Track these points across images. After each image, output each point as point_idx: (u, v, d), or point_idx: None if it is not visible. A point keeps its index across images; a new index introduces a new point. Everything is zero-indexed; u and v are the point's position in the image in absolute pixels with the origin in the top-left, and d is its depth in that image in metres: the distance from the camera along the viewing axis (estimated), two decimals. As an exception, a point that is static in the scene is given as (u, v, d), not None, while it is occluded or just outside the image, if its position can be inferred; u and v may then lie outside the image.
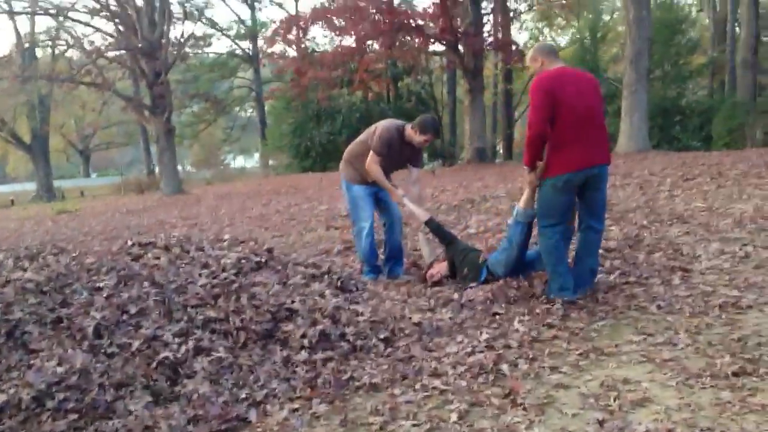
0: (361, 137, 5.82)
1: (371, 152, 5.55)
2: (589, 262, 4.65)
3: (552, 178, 4.36)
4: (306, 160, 27.34)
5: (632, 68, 15.90)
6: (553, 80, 4.31)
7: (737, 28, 22.74)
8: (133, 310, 3.55)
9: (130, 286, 3.74)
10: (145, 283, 3.78)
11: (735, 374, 3.23)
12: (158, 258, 4.16)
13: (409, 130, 5.60)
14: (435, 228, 5.58)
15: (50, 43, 26.61)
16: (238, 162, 58.04)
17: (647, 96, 16.52)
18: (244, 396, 3.23)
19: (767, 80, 27.34)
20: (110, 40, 21.18)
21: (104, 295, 3.61)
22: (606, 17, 32.41)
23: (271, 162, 36.20)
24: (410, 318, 4.19)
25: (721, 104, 21.27)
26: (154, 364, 3.30)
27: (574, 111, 4.28)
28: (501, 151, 31.59)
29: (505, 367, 3.53)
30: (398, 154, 5.71)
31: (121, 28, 20.40)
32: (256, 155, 49.37)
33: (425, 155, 28.53)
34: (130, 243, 4.48)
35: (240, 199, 16.46)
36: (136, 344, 3.36)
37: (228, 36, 38.77)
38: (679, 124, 22.31)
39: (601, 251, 5.54)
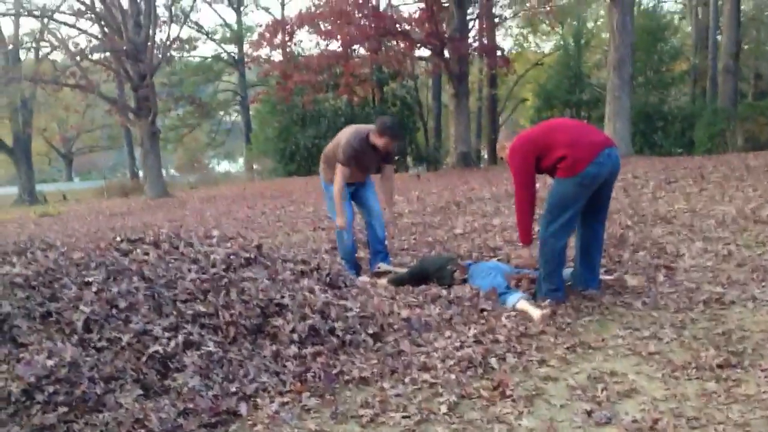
0: (335, 140, 5.83)
1: (338, 163, 5.59)
2: (597, 257, 4.67)
3: (574, 177, 4.27)
4: (291, 164, 27.32)
5: (615, 74, 16.05)
6: (528, 136, 4.50)
7: (719, 36, 23.02)
8: (122, 304, 3.54)
9: (120, 280, 3.73)
10: (135, 278, 3.77)
11: (720, 366, 3.29)
12: (147, 254, 4.15)
13: (372, 135, 5.60)
14: (396, 281, 5.29)
15: (34, 44, 26.42)
16: (223, 166, 57.83)
17: (630, 102, 16.68)
18: (234, 390, 3.22)
19: (748, 87, 27.73)
20: (95, 42, 21.07)
21: (93, 290, 3.59)
22: (590, 24, 32.70)
23: (255, 166, 36.13)
24: (399, 314, 4.21)
25: (702, 110, 21.52)
26: (144, 358, 3.29)
27: (562, 125, 4.52)
28: (486, 155, 31.73)
29: (493, 360, 3.57)
30: (369, 160, 5.74)
31: (106, 30, 20.30)
32: (241, 159, 49.22)
33: (409, 159, 28.64)
34: (118, 239, 4.47)
35: (225, 202, 16.42)
36: (125, 338, 3.35)
37: (214, 39, 38.75)
38: (661, 129, 22.54)
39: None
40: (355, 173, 5.73)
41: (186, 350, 3.41)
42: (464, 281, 4.92)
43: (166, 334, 3.46)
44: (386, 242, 6.11)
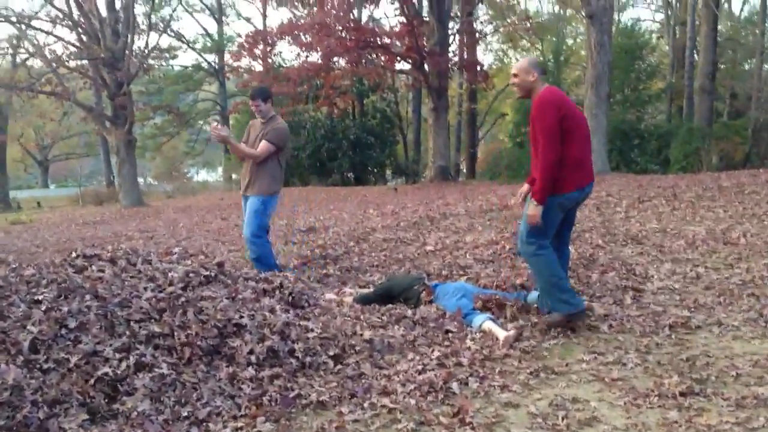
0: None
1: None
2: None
3: (560, 196, 4.22)
4: (269, 175, 27.14)
5: (593, 92, 16.15)
6: (560, 97, 4.25)
7: (695, 56, 23.29)
8: (72, 324, 3.42)
9: (71, 299, 3.61)
10: (87, 297, 3.65)
11: (682, 394, 3.24)
12: (103, 271, 4.03)
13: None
14: (363, 300, 5.14)
15: (11, 51, 26.08)
16: (201, 175, 57.43)
17: (607, 119, 16.78)
18: (185, 414, 3.12)
19: (724, 107, 28.08)
20: (72, 49, 20.83)
21: (43, 309, 3.47)
22: (569, 41, 33.02)
23: (234, 176, 35.89)
24: (361, 335, 4.13)
25: (678, 129, 21.70)
26: (92, 381, 3.17)
27: (581, 127, 4.28)
28: (464, 169, 31.79)
29: (455, 385, 3.49)
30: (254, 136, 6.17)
31: (83, 37, 20.07)
32: (220, 169, 48.93)
33: (388, 172, 28.62)
34: (74, 255, 4.34)
35: (200, 212, 16.24)
36: (74, 359, 3.24)
37: (194, 49, 38.51)
38: (637, 147, 22.68)
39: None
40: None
41: (137, 372, 3.30)
42: (430, 302, 4.85)
43: (117, 356, 3.35)
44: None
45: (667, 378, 3.44)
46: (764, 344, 3.93)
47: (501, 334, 4.14)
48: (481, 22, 30.31)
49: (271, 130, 6.02)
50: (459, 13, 25.13)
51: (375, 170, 28.51)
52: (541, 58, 26.97)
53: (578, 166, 4.23)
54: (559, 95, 4.27)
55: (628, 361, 3.73)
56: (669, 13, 28.93)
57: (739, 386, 3.34)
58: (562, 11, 34.06)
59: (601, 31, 15.91)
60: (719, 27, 24.48)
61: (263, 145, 5.94)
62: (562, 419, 3.06)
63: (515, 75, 4.36)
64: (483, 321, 4.35)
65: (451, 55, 23.04)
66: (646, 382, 3.42)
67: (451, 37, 23.65)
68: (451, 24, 23.48)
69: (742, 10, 33.69)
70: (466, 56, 25.58)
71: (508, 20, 28.35)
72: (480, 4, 27.06)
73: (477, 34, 27.62)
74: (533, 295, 4.73)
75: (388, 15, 53.09)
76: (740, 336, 4.09)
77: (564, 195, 4.23)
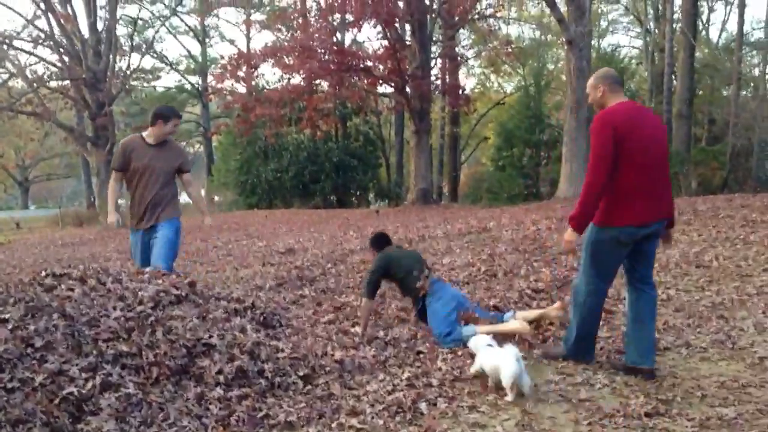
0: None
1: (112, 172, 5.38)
2: (651, 326, 3.97)
3: (613, 228, 3.76)
4: (252, 197, 27.14)
5: (572, 116, 16.35)
6: (624, 116, 3.74)
7: (674, 81, 23.64)
8: (38, 343, 3.39)
9: (38, 318, 3.57)
10: (55, 315, 3.62)
11: (648, 415, 3.26)
12: (72, 289, 4.00)
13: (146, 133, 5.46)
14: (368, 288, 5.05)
15: (-9, 71, 26.00)
16: (183, 197, 57.13)
17: (587, 143, 16.95)
18: (151, 434, 3.10)
19: (702, 132, 28.47)
20: (54, 69, 20.81)
21: (9, 327, 3.44)
22: (550, 66, 33.40)
23: (216, 198, 35.77)
24: (332, 355, 4.12)
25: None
26: (56, 400, 3.13)
27: (645, 153, 3.73)
28: (447, 192, 31.93)
29: (423, 405, 3.49)
30: (149, 160, 5.38)
31: (65, 58, 20.06)
32: (202, 191, 48.75)
33: (371, 195, 28.69)
34: (43, 273, 4.31)
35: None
36: (39, 379, 3.20)
37: (177, 70, 38.58)
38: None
39: (528, 292, 5.62)
40: (141, 186, 5.36)
41: (103, 392, 3.27)
42: (424, 296, 4.84)
43: (83, 375, 3.31)
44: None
45: (633, 399, 3.47)
46: (731, 366, 3.97)
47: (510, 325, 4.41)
48: (463, 47, 30.77)
49: (184, 156, 5.79)
50: (441, 38, 25.44)
51: (358, 193, 28.59)
52: (527, 83, 27.18)
53: (635, 197, 3.72)
54: (623, 113, 3.76)
55: (596, 382, 3.75)
56: (647, 39, 29.38)
57: (704, 407, 3.37)
58: (543, 37, 34.52)
59: (581, 56, 16.15)
60: (697, 54, 24.88)
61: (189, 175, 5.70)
62: (528, 439, 3.07)
63: (588, 93, 4.03)
64: (473, 333, 4.34)
65: (433, 78, 23.26)
66: (613, 403, 3.45)
67: (433, 61, 23.91)
68: (433, 48, 23.76)
69: (719, 37, 34.30)
70: (448, 80, 25.84)
71: (490, 45, 28.69)
72: (462, 29, 27.38)
73: (459, 58, 27.97)
74: (508, 315, 4.75)
75: (370, 38, 53.60)
76: (708, 357, 4.13)
77: (617, 227, 3.75)
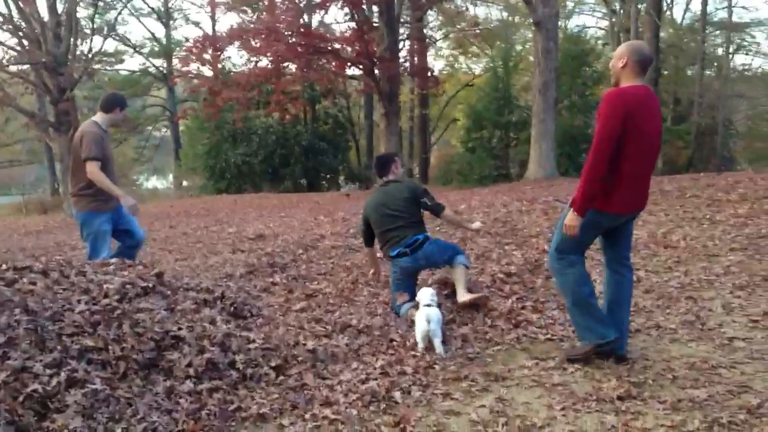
0: (73, 162, 5.40)
1: (87, 162, 5.15)
2: (627, 310, 3.95)
3: (600, 213, 3.66)
4: (221, 182, 26.83)
5: (541, 98, 16.41)
6: (636, 100, 3.57)
7: (639, 62, 23.80)
8: (0, 339, 3.29)
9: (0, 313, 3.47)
10: (17, 311, 3.51)
11: (620, 398, 3.28)
12: (34, 283, 3.88)
13: (102, 119, 5.42)
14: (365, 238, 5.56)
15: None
16: (152, 182, 56.36)
17: (555, 124, 17.05)
18: (119, 431, 3.02)
19: (667, 112, 28.80)
20: (13, 53, 20.21)
21: (-32, 324, 3.33)
22: (518, 47, 33.44)
23: (185, 183, 35.34)
24: (305, 344, 4.07)
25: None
26: (20, 398, 3.04)
27: (645, 143, 3.60)
28: (417, 175, 31.93)
29: (397, 394, 3.47)
30: (109, 147, 5.44)
31: (24, 41, 19.50)
32: (171, 176, 48.12)
33: (341, 178, 28.59)
34: (4, 267, 4.18)
35: (147, 220, 15.90)
36: (1, 376, 3.10)
37: (141, 53, 37.82)
38: (586, 152, 23.04)
39: (501, 276, 5.62)
40: (107, 172, 5.27)
41: (69, 388, 3.18)
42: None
43: (48, 371, 3.22)
44: None
45: (605, 382, 3.49)
46: (700, 347, 4.01)
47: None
48: (431, 29, 30.62)
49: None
50: (409, 19, 25.30)
51: (328, 176, 28.44)
52: (495, 64, 27.14)
53: (630, 185, 3.64)
54: (637, 96, 3.58)
55: (568, 366, 3.76)
56: (613, 20, 29.58)
57: (675, 389, 3.40)
58: (510, 18, 34.52)
59: (548, 37, 16.18)
60: (662, 34, 25.12)
61: None
62: (503, 426, 3.07)
63: (611, 58, 3.77)
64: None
65: (401, 60, 23.15)
66: (585, 387, 3.46)
67: (402, 43, 23.78)
68: (401, 30, 23.60)
69: (683, 17, 34.62)
70: (416, 62, 25.75)
71: (458, 26, 28.62)
72: (430, 11, 27.25)
73: (427, 40, 27.86)
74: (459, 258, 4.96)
75: (338, 20, 53.06)
76: (677, 339, 4.17)
77: (605, 213, 3.67)
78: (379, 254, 5.66)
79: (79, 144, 5.22)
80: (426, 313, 4.10)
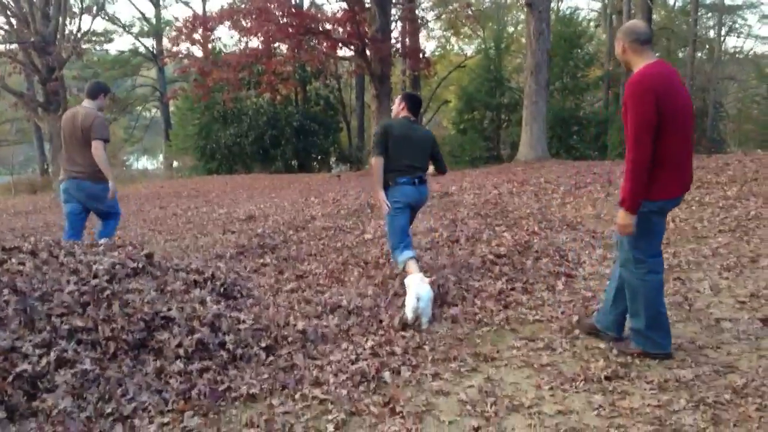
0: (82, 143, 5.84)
1: (100, 142, 5.75)
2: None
3: (658, 202, 3.46)
4: (211, 163, 26.72)
5: (532, 80, 16.34)
6: (661, 77, 3.38)
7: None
8: (-11, 320, 3.29)
9: (-12, 294, 3.46)
10: (5, 291, 3.50)
11: (607, 378, 3.31)
12: (23, 264, 3.87)
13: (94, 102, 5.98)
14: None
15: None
16: (142, 163, 56.06)
17: (546, 106, 17.02)
18: (109, 411, 3.03)
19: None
20: (1, 33, 19.96)
21: (-43, 304, 3.33)
22: (510, 29, 33.34)
23: (175, 164, 35.18)
24: (295, 325, 4.08)
25: (615, 116, 22.20)
26: (10, 378, 3.05)
27: (682, 117, 3.40)
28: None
29: (387, 374, 3.49)
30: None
31: (12, 20, 19.25)
32: (161, 156, 47.86)
33: (332, 159, 28.53)
34: (-8, 247, 4.17)
35: (138, 201, 15.85)
36: (-9, 357, 3.11)
37: (130, 33, 37.47)
38: (576, 134, 23.17)
39: (491, 257, 5.64)
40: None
41: (59, 369, 3.19)
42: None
43: (37, 352, 3.23)
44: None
45: (593, 362, 3.52)
46: (687, 327, 4.05)
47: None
48: (423, 9, 30.42)
49: None
50: (401, 0, 25.12)
51: (319, 157, 28.35)
52: (487, 45, 27.05)
53: (675, 167, 3.44)
54: (661, 74, 3.39)
55: (557, 347, 3.79)
56: (606, 2, 29.49)
57: (662, 369, 3.43)
58: (503, -1, 34.37)
59: (540, 19, 16.09)
60: (654, 16, 25.04)
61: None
62: (491, 405, 3.09)
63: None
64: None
65: (393, 41, 22.98)
66: (574, 367, 3.49)
67: (393, 24, 23.61)
68: (393, 11, 23.43)
69: (675, 0, 34.56)
70: (408, 43, 25.59)
71: (450, 7, 28.46)
72: (422, -9, 27.10)
73: (419, 21, 27.67)
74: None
75: (329, 1, 52.66)
76: (665, 319, 4.20)
77: (663, 200, 3.47)
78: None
79: (90, 126, 5.73)
80: (416, 291, 4.19)
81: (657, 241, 3.61)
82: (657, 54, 3.47)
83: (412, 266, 4.80)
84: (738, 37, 35.62)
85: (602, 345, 3.79)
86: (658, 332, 3.56)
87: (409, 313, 4.21)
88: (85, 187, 5.83)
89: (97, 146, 5.69)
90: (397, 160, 5.06)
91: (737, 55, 34.67)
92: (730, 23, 32.92)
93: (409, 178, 5.04)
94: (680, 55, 31.18)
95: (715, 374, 3.33)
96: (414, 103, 5.36)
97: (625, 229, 3.49)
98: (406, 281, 4.44)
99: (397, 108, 5.31)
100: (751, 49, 40.27)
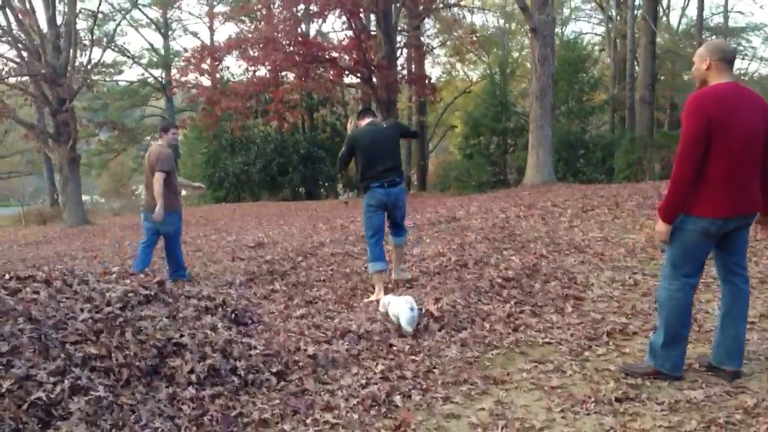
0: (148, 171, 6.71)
1: (161, 174, 6.45)
2: (742, 324, 3.66)
3: (699, 219, 3.43)
4: (219, 191, 26.89)
5: (538, 104, 16.46)
6: (720, 99, 3.37)
7: (636, 67, 23.93)
8: (4, 348, 3.32)
9: (3, 322, 3.49)
10: (20, 319, 3.55)
11: (618, 400, 3.32)
12: (37, 292, 3.93)
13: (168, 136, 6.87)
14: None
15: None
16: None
17: (552, 130, 17.12)
18: (123, 437, 3.06)
19: (664, 116, 28.94)
20: (12, 65, 20.25)
21: (-27, 333, 3.37)
22: (515, 54, 33.60)
23: (183, 192, 35.38)
24: (305, 350, 4.11)
25: (621, 139, 22.24)
26: (25, 406, 3.08)
27: (736, 142, 3.36)
28: (415, 182, 31.98)
29: (398, 398, 3.51)
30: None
31: (24, 53, 19.55)
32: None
33: (340, 186, 28.66)
34: (7, 276, 4.22)
35: (147, 230, 15.94)
36: (6, 384, 3.13)
37: (140, 64, 37.91)
38: (582, 157, 23.19)
39: (499, 281, 5.66)
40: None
41: (73, 396, 3.22)
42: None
43: (52, 379, 3.26)
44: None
45: (604, 384, 3.53)
46: (697, 348, 4.05)
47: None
48: (428, 36, 30.73)
49: None
50: (406, 27, 25.41)
51: (326, 184, 28.50)
52: (492, 71, 27.25)
53: (725, 188, 3.38)
54: (724, 94, 3.39)
55: (567, 369, 3.80)
56: (609, 26, 29.69)
57: (672, 390, 3.43)
58: (507, 25, 34.69)
59: (545, 44, 16.25)
60: (658, 39, 25.22)
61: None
62: (502, 428, 3.10)
63: (694, 62, 3.60)
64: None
65: (399, 68, 23.24)
66: (584, 389, 3.50)
67: (399, 51, 23.85)
68: (398, 38, 23.70)
69: (679, 23, 34.80)
70: (414, 69, 25.84)
71: (455, 34, 28.74)
72: (427, 18, 27.37)
73: (424, 48, 27.95)
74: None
75: (335, 29, 53.38)
76: (675, 341, 4.20)
77: (705, 218, 3.42)
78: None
79: (155, 160, 6.52)
80: (409, 301, 4.55)
81: (694, 263, 3.58)
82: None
83: (378, 282, 5.66)
84: (743, 59, 35.69)
85: (612, 367, 3.79)
86: (672, 352, 3.56)
87: (407, 327, 4.48)
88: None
89: (157, 178, 6.43)
90: (371, 167, 5.72)
91: (742, 77, 34.74)
92: (735, 45, 33.06)
93: (380, 182, 5.72)
94: (685, 78, 31.31)
95: (726, 395, 3.33)
96: (366, 111, 6.30)
97: (660, 236, 3.60)
98: (384, 306, 4.86)
99: (359, 123, 6.05)
100: (756, 71, 40.39)
